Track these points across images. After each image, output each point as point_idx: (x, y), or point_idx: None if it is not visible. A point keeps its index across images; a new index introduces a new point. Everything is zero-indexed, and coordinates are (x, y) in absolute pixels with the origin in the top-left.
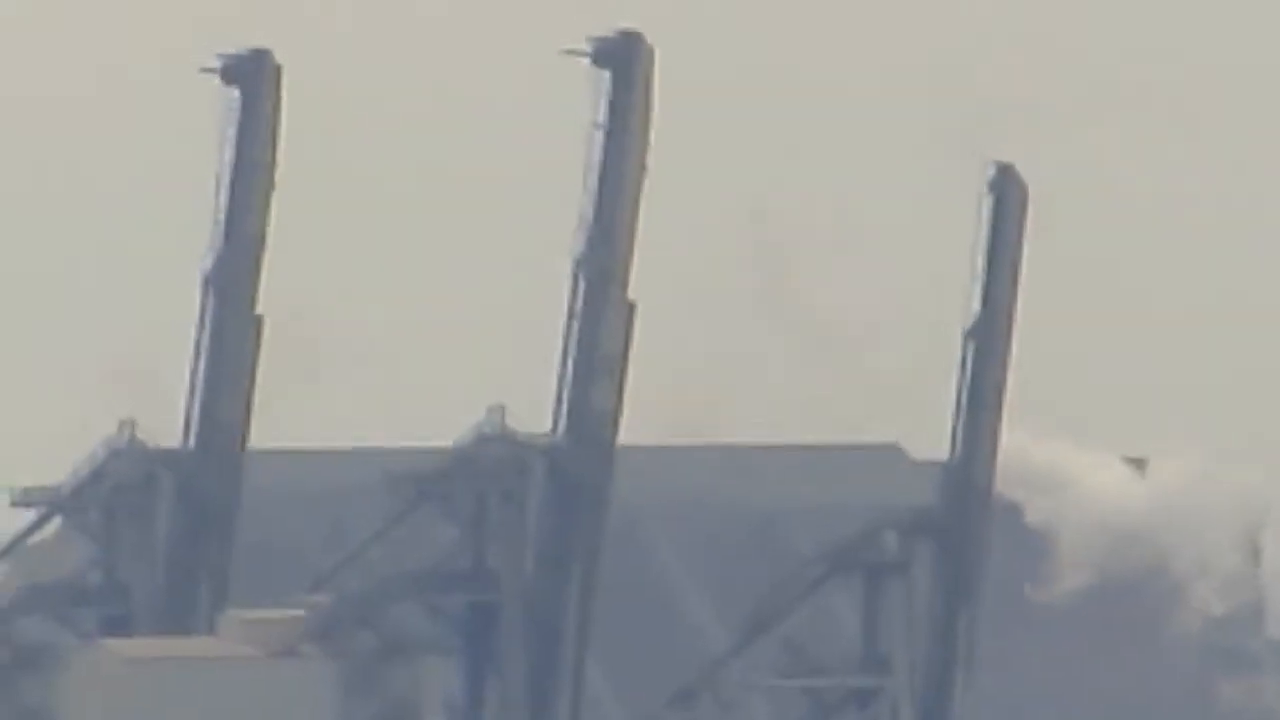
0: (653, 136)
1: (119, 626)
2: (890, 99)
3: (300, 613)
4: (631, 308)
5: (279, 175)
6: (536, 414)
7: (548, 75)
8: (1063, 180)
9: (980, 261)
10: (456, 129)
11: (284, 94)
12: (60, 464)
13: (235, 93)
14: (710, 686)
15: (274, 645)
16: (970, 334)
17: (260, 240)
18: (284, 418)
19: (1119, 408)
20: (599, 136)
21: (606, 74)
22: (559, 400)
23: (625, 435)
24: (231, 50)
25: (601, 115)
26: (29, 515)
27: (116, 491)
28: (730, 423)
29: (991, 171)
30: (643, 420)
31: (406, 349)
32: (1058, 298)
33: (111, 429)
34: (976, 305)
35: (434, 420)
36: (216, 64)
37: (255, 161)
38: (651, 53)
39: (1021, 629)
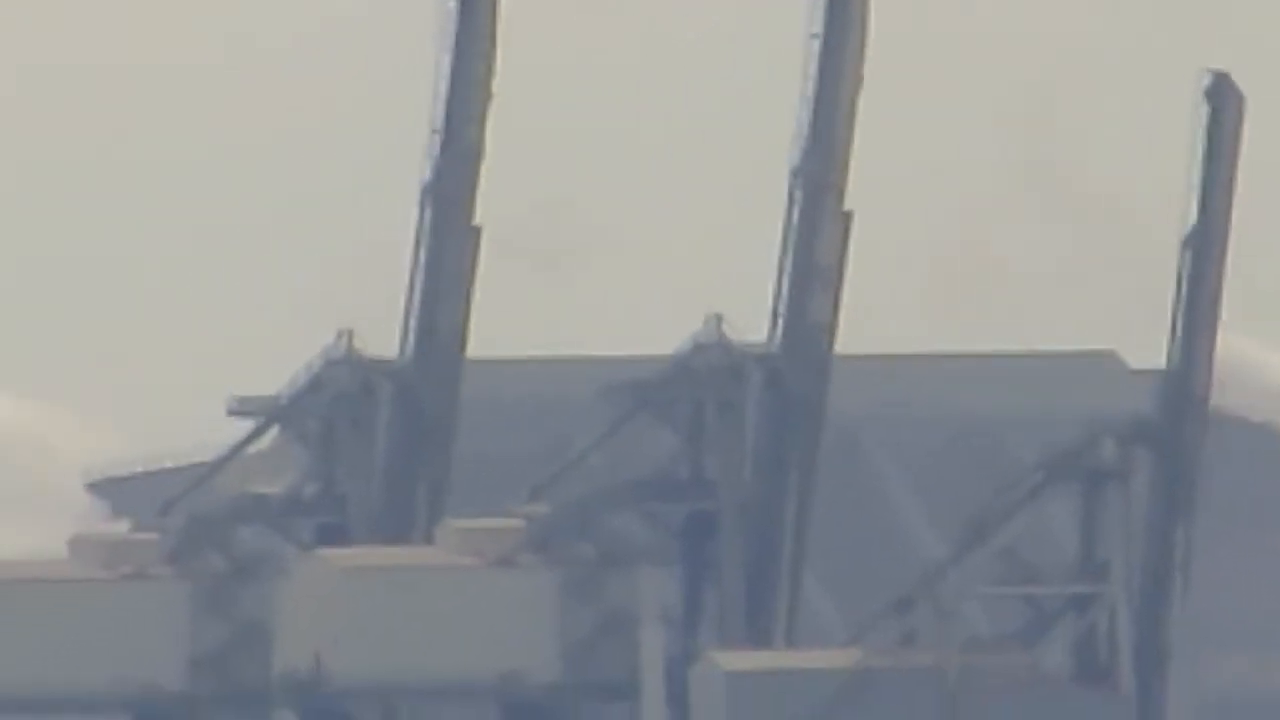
0: (869, 47)
1: (336, 536)
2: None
3: (519, 522)
4: (848, 218)
5: (496, 85)
6: (754, 323)
7: None
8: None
9: (1197, 171)
10: (675, 39)
11: (500, 4)
12: (279, 374)
13: (452, 3)
14: (928, 595)
15: (493, 554)
16: (1187, 243)
17: (478, 151)
18: (503, 328)
19: None
20: (816, 46)
21: None
22: (776, 310)
23: (842, 344)
24: None
25: (818, 25)
26: (247, 425)
27: (335, 401)
28: (947, 330)
29: (1208, 81)
30: (860, 329)
31: (625, 259)
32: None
33: (330, 339)
34: (1193, 214)
35: (652, 330)
36: None
37: (472, 72)
38: None
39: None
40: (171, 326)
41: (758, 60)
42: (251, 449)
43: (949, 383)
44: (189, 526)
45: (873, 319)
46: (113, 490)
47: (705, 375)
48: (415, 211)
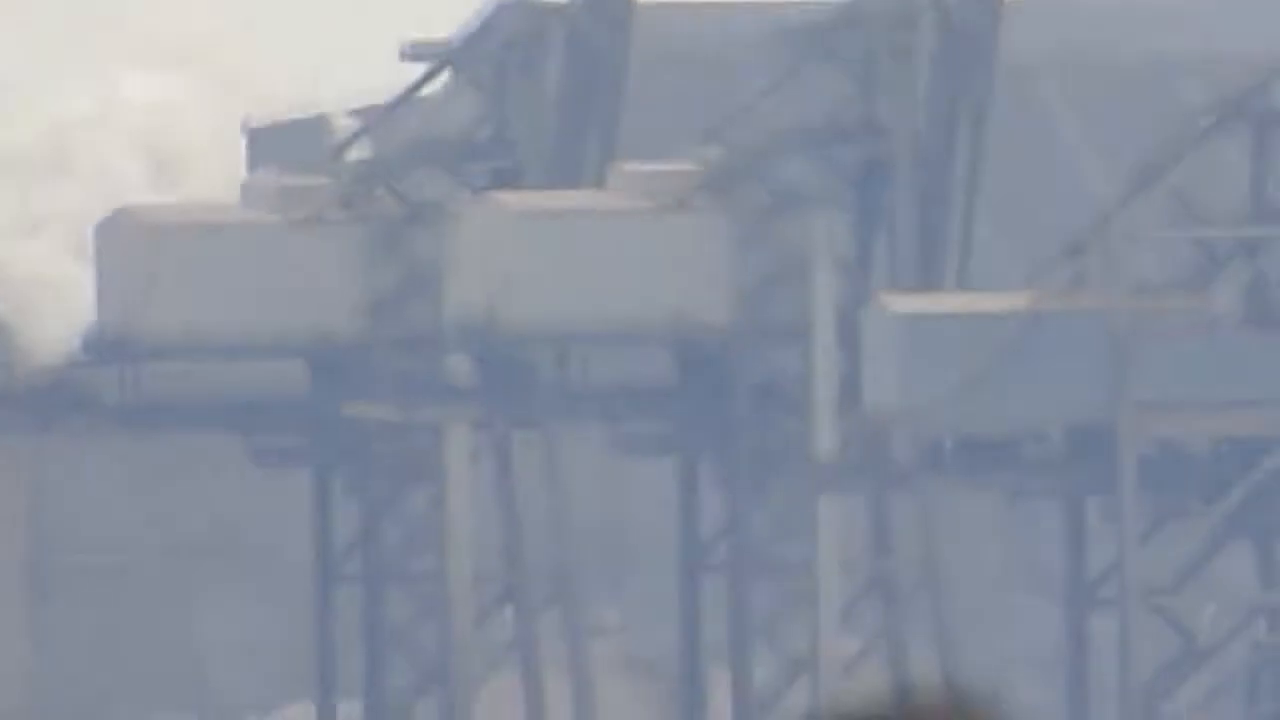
0: None
1: (508, 180)
2: None
3: (690, 166)
4: None
5: None
6: None
7: None
8: None
9: None
10: None
11: None
12: (450, 18)
13: None
14: (1098, 238)
15: (665, 198)
16: None
17: None
18: None
19: None
20: None
21: None
22: None
23: None
24: None
25: None
26: (418, 69)
27: (506, 45)
28: None
29: None
30: None
31: None
32: None
33: None
34: None
35: None
36: None
37: None
38: None
39: None
40: None
41: None
42: (422, 93)
43: (1121, 25)
44: (361, 170)
45: None
46: (280, 136)
47: (877, 19)
48: None
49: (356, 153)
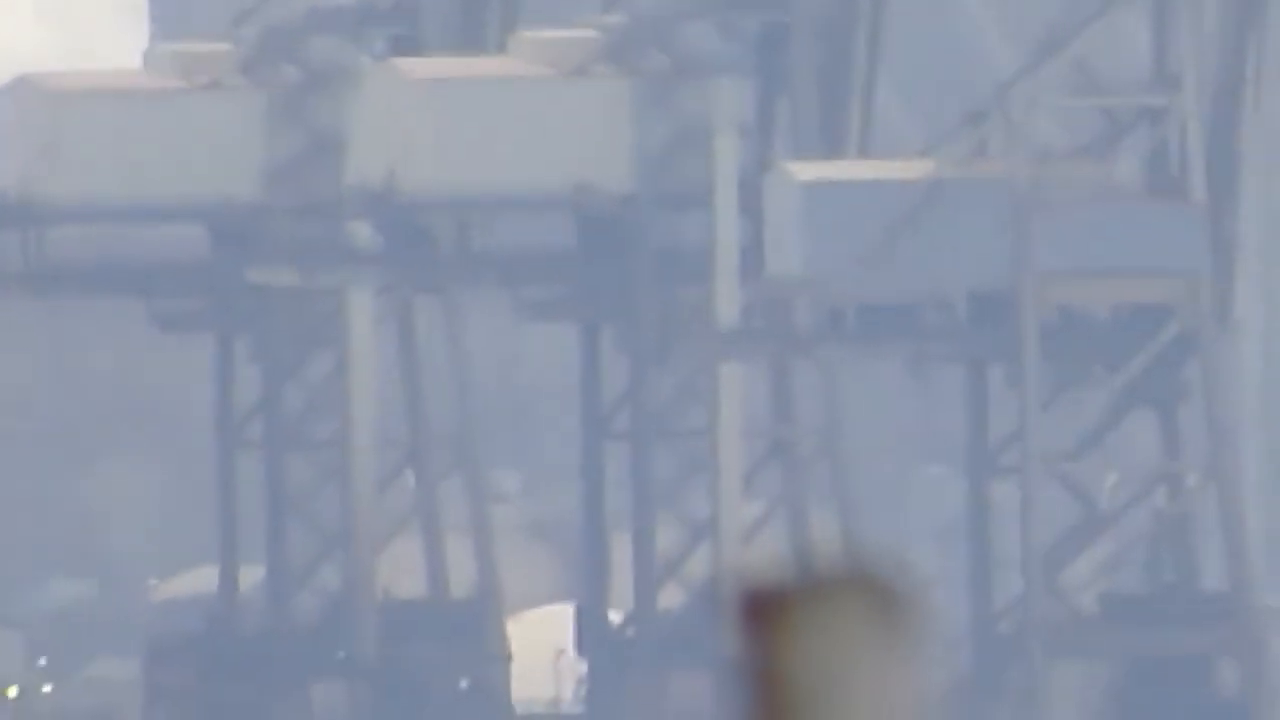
0: None
1: (409, 46)
2: None
3: (593, 33)
4: None
5: None
6: None
7: None
8: None
9: None
10: None
11: None
12: None
13: None
14: (1000, 106)
15: (566, 65)
16: None
17: None
18: None
19: None
20: None
21: None
22: None
23: None
24: None
25: None
26: None
27: None
28: None
29: None
30: None
31: None
32: None
33: None
34: None
35: None
36: None
37: None
38: None
39: None
40: None
41: None
42: None
43: None
44: (263, 38)
45: None
46: (182, 2)
47: None
48: None
49: (258, 20)
